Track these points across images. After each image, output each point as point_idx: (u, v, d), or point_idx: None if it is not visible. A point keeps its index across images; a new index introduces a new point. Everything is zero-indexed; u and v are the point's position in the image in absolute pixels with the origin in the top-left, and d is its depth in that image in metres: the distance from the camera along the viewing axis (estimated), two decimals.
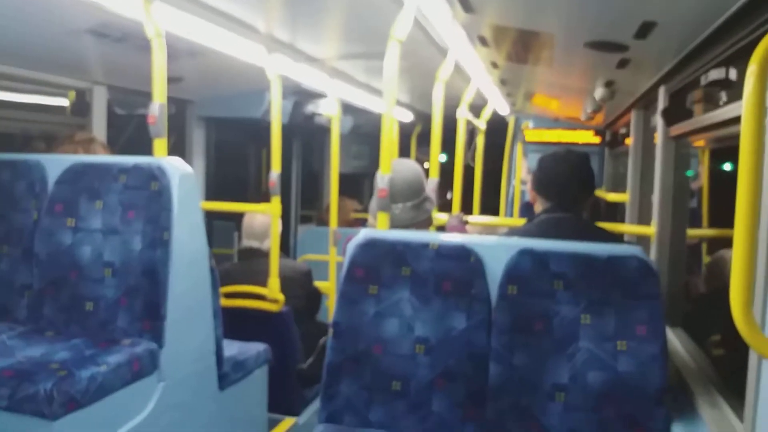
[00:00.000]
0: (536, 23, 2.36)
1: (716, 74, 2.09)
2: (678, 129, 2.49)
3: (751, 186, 1.17)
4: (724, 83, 2.12)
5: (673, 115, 2.59)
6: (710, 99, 2.55)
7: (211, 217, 4.91)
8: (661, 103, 2.67)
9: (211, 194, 4.68)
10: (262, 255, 3.34)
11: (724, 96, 2.38)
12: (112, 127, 3.58)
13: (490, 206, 6.33)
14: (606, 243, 1.93)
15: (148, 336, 2.04)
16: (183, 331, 2.16)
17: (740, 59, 1.82)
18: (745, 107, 1.18)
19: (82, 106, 3.35)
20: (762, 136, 1.18)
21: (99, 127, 3.39)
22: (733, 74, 2.07)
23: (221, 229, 5.24)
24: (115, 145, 3.58)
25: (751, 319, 1.18)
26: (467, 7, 2.24)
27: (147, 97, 2.29)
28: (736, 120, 1.21)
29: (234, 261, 4.66)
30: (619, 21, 2.07)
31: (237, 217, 5.07)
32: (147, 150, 2.30)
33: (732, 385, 1.81)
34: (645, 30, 2.04)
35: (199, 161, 4.56)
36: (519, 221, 3.29)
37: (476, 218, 3.67)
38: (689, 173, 3.05)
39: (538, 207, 2.31)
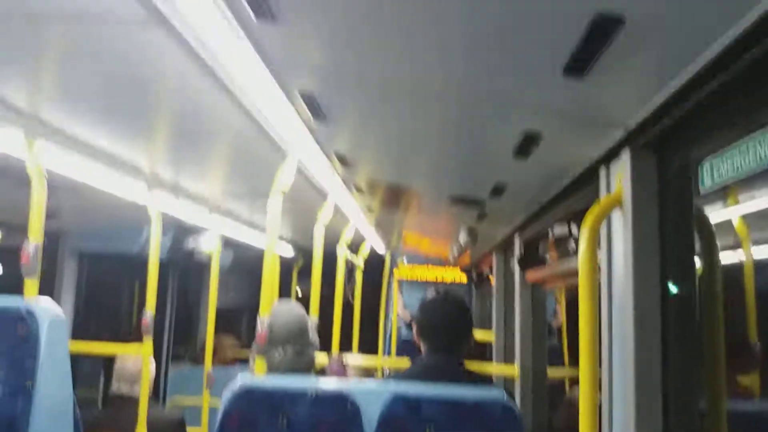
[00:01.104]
0: (404, 179, 2.61)
1: (560, 230, 2.39)
2: (532, 275, 2.76)
3: (589, 330, 1.37)
4: (567, 237, 2.43)
5: (528, 262, 2.87)
6: (561, 247, 2.86)
7: (75, 354, 4.58)
8: (517, 250, 2.96)
9: (79, 332, 4.40)
10: (133, 402, 3.14)
11: (573, 244, 2.69)
12: None
13: (369, 341, 6.39)
14: (476, 385, 2.02)
15: None
16: None
17: (580, 217, 2.11)
18: (580, 265, 1.40)
19: None
20: (595, 287, 1.40)
21: None
22: (575, 230, 2.38)
23: (85, 367, 4.87)
24: None
25: None
26: (344, 162, 2.45)
27: (11, 227, 2.22)
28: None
29: (98, 407, 4.33)
30: (475, 182, 2.35)
31: (103, 358, 4.76)
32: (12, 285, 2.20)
33: None
34: (498, 191, 2.32)
35: (68, 297, 4.32)
36: (398, 361, 3.37)
37: (356, 358, 3.71)
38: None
39: (422, 349, 2.37)
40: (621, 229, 1.48)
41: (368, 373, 3.66)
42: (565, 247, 2.76)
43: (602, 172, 1.62)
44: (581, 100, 1.43)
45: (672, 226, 1.43)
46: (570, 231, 2.36)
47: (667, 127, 1.31)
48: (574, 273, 2.24)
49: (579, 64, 1.20)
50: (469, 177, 2.32)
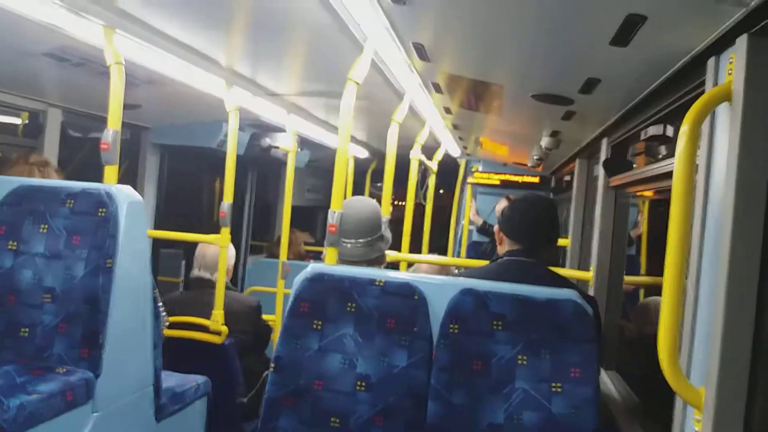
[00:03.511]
0: (487, 74, 2.47)
1: (654, 130, 2.22)
2: (617, 180, 2.61)
3: (679, 237, 1.26)
4: (661, 138, 2.26)
5: (613, 166, 2.72)
6: (650, 152, 2.69)
7: (158, 245, 4.84)
8: (603, 154, 2.80)
9: (162, 222, 4.62)
10: (211, 286, 3.30)
11: (663, 150, 2.52)
12: (64, 149, 3.53)
13: (439, 246, 6.43)
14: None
15: (85, 364, 2.00)
16: (121, 360, 2.12)
17: (677, 117, 1.95)
18: (677, 163, 1.27)
19: (34, 128, 3.31)
20: (691, 191, 1.28)
21: (51, 149, 3.34)
22: (670, 131, 2.21)
23: (169, 257, 5.16)
24: (65, 167, 3.53)
25: (677, 367, 1.25)
26: (422, 55, 2.33)
27: (102, 121, 2.29)
28: (671, 174, 1.31)
29: (181, 290, 4.59)
30: (565, 76, 2.19)
31: (185, 246, 5.02)
32: (98, 172, 2.29)
33: (660, 427, 1.89)
34: (590, 86, 2.16)
35: (150, 188, 4.52)
36: (467, 262, 3.35)
37: (426, 257, 3.73)
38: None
39: (503, 248, 2.31)
40: (727, 127, 1.32)
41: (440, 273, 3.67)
42: (655, 151, 2.59)
43: (711, 63, 1.44)
44: None
45: None
46: (665, 132, 2.19)
47: None
48: (664, 178, 2.11)
49: None
50: (559, 71, 2.16)
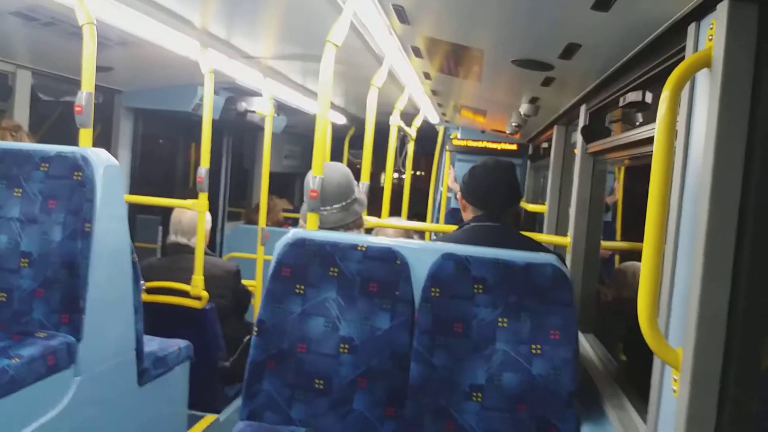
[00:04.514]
0: (467, 38, 2.45)
1: (633, 96, 2.23)
2: (595, 146, 2.64)
3: (659, 203, 1.28)
4: (640, 105, 2.27)
5: (591, 133, 2.74)
6: (628, 119, 2.72)
7: (135, 210, 4.78)
8: (582, 120, 2.82)
9: (136, 187, 4.56)
10: (189, 251, 3.30)
11: (640, 117, 2.55)
12: (35, 113, 3.44)
13: (418, 212, 6.47)
14: (529, 251, 2.01)
15: (66, 329, 1.99)
16: (102, 324, 2.12)
17: (656, 84, 1.96)
18: (658, 128, 1.29)
19: (3, 90, 3.21)
20: (671, 155, 1.30)
21: (21, 113, 3.26)
22: (648, 97, 2.22)
23: (145, 223, 5.11)
24: (37, 131, 3.45)
25: (656, 329, 1.28)
26: (402, 18, 2.30)
27: (74, 84, 2.24)
28: (650, 140, 1.33)
29: (158, 256, 4.56)
30: (545, 41, 2.18)
31: (162, 211, 4.97)
32: (70, 138, 2.25)
33: (637, 388, 1.95)
34: (570, 51, 2.16)
35: (125, 153, 4.44)
36: (445, 227, 3.39)
37: (404, 222, 3.75)
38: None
39: (468, 215, 2.37)
40: (707, 93, 1.34)
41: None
42: (632, 118, 2.61)
43: (691, 29, 1.45)
44: None
45: (767, 94, 1.28)
46: (644, 99, 2.21)
47: None
48: (642, 144, 2.13)
49: None
50: (539, 36, 2.15)
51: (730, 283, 1.26)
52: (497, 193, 2.31)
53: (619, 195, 4.91)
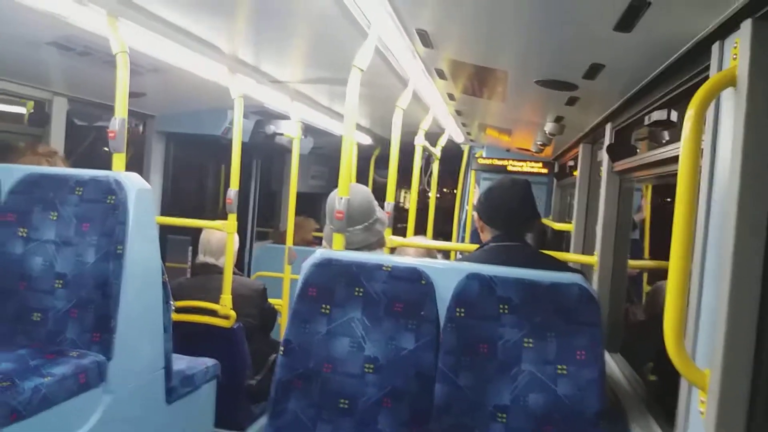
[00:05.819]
0: (491, 60, 2.47)
1: (658, 115, 2.23)
2: (621, 165, 2.62)
3: (685, 222, 1.27)
4: (665, 124, 2.26)
5: (617, 151, 2.73)
6: (654, 137, 2.70)
7: (165, 231, 4.87)
8: (607, 139, 2.81)
9: (168, 209, 4.65)
10: (217, 271, 3.34)
11: (666, 135, 2.53)
12: (70, 137, 3.55)
13: (444, 232, 6.46)
14: (551, 270, 2.01)
15: (97, 348, 2.04)
16: (132, 344, 2.16)
17: (681, 102, 1.95)
18: (683, 148, 1.28)
19: (40, 116, 3.32)
20: (696, 175, 1.29)
21: (57, 139, 3.36)
22: (674, 116, 2.21)
23: (176, 243, 5.19)
24: (70, 156, 3.55)
25: (683, 349, 1.27)
26: (426, 42, 2.33)
27: (107, 109, 2.32)
28: (676, 159, 1.32)
29: (188, 276, 4.62)
30: (568, 62, 2.19)
31: (192, 232, 5.05)
32: (103, 160, 2.31)
33: (664, 409, 1.91)
34: (593, 71, 2.16)
35: (156, 176, 4.54)
36: (470, 246, 3.38)
37: (426, 240, 3.75)
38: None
39: (486, 236, 2.37)
40: (732, 112, 1.33)
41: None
42: (658, 137, 2.60)
43: (715, 48, 1.45)
44: None
45: None
46: (669, 117, 2.20)
47: None
48: (668, 163, 2.12)
49: None
50: (562, 57, 2.16)
51: (758, 303, 1.24)
52: (512, 212, 2.30)
53: (646, 212, 4.84)
